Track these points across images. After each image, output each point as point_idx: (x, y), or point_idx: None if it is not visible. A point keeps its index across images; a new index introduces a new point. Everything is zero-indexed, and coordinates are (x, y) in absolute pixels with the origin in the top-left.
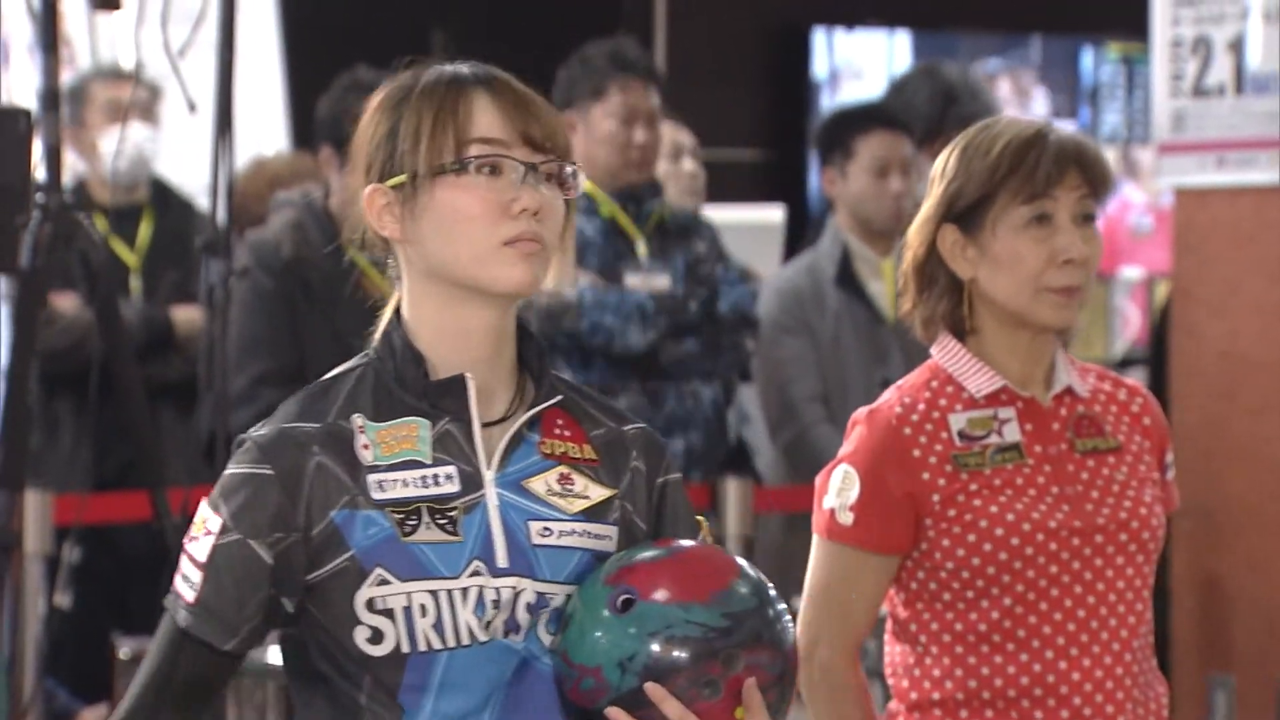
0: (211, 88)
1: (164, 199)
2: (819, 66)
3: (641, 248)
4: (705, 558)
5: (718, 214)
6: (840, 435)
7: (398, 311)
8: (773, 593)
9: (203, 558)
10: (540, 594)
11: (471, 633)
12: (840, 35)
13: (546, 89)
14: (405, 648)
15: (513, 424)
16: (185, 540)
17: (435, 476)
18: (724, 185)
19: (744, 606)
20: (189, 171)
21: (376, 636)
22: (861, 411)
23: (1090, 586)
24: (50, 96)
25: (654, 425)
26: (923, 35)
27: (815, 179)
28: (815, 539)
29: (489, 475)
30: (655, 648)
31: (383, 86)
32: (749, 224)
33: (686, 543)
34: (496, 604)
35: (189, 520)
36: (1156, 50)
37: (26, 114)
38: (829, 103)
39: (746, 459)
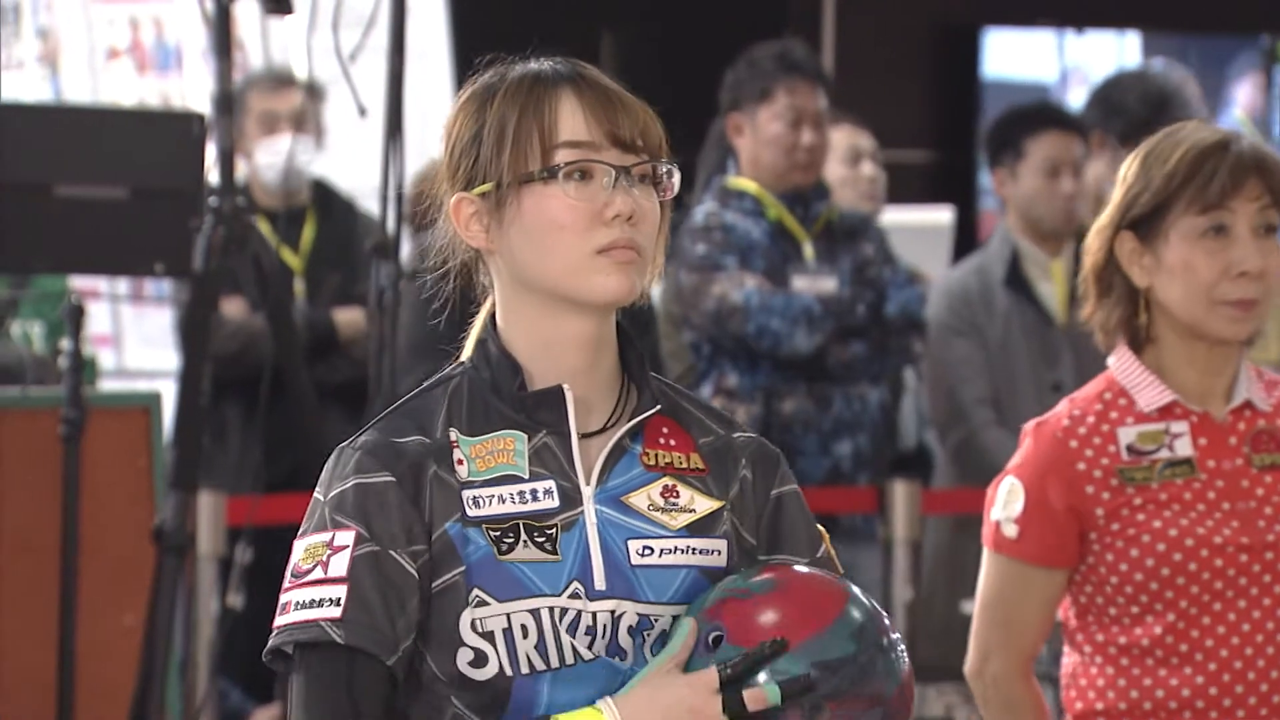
0: (382, 91)
1: (327, 202)
2: (990, 66)
3: (808, 250)
4: (805, 596)
5: (886, 215)
6: (1009, 438)
7: (493, 319)
8: (881, 635)
9: (341, 572)
10: (643, 616)
11: (576, 652)
12: (1013, 35)
13: (713, 91)
14: (509, 671)
15: (613, 435)
16: (288, 584)
17: (533, 492)
18: (892, 186)
19: (838, 654)
20: (358, 175)
21: (479, 659)
22: (1031, 423)
23: (1256, 602)
24: (224, 100)
25: (821, 428)
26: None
27: (985, 180)
28: (985, 551)
29: (587, 491)
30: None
31: (467, 85)
32: (917, 225)
33: (797, 571)
34: (591, 630)
35: None
36: None
37: (200, 118)
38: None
39: (929, 463)
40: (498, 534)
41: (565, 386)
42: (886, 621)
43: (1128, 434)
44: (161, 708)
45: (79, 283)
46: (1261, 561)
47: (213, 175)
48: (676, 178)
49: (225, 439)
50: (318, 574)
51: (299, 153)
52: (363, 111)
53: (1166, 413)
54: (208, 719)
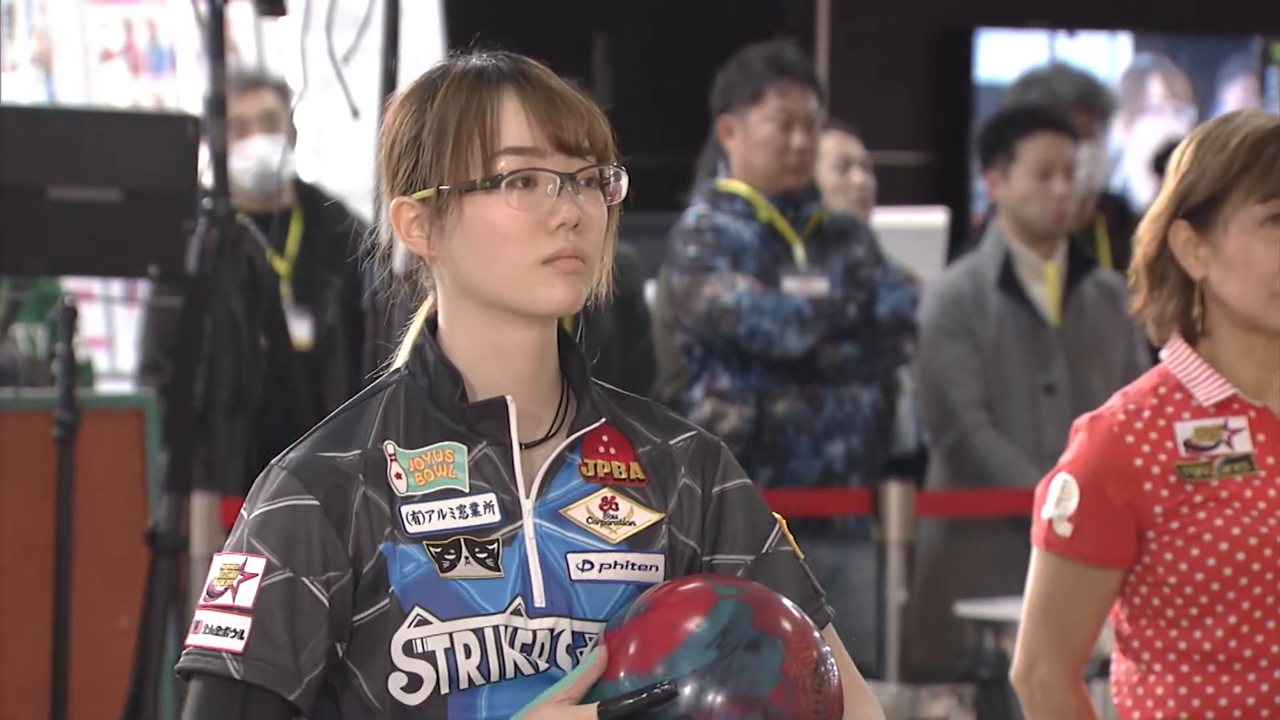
0: (376, 93)
1: (314, 204)
2: (984, 68)
3: (799, 252)
4: (665, 615)
5: (880, 217)
6: (1002, 440)
7: (430, 324)
8: (753, 632)
9: (247, 602)
10: (578, 633)
11: (517, 667)
12: (1005, 37)
13: (705, 93)
14: (445, 689)
15: (554, 447)
16: (202, 602)
17: (474, 506)
18: (886, 189)
19: (691, 666)
20: (352, 177)
21: (413, 683)
22: (1084, 418)
23: None
24: (217, 103)
25: (813, 429)
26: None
27: (978, 183)
28: (1034, 550)
29: (527, 504)
30: None
31: (408, 82)
32: (911, 227)
33: (669, 588)
34: (529, 647)
35: None
36: None
37: (194, 120)
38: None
39: (926, 464)
40: (438, 550)
41: (509, 398)
42: (777, 616)
43: (1185, 429)
44: (155, 709)
45: (73, 285)
46: None
47: (206, 177)
48: (624, 181)
49: (219, 441)
50: (227, 599)
51: (272, 154)
52: (356, 113)
53: (1224, 408)
54: None
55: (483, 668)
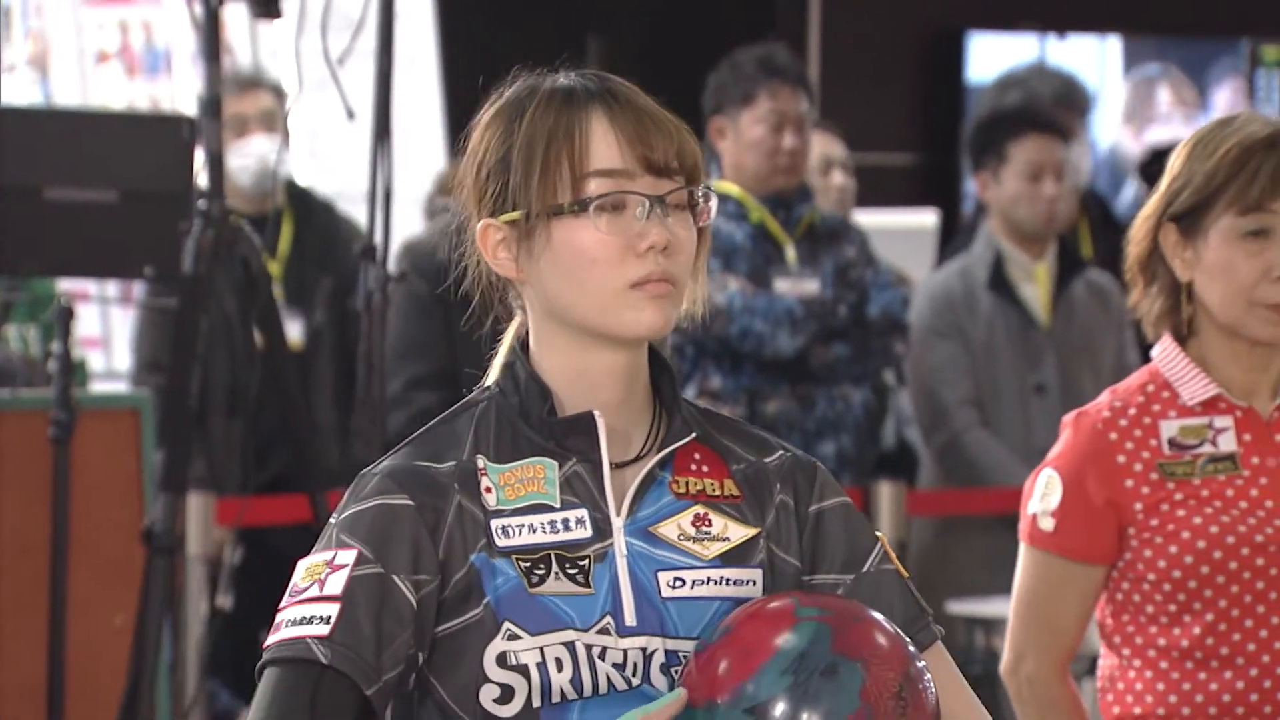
0: (370, 95)
1: (305, 206)
2: (974, 70)
3: (791, 253)
4: (743, 639)
5: (871, 218)
6: (993, 439)
7: (522, 343)
8: (831, 656)
9: (337, 590)
10: (671, 651)
11: (610, 682)
12: (996, 39)
13: (700, 95)
14: (537, 702)
15: (645, 465)
16: (288, 598)
17: (565, 521)
18: (877, 189)
19: (769, 693)
20: (347, 178)
21: (505, 695)
22: (1071, 414)
23: None
24: (212, 104)
25: (804, 428)
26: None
27: (969, 183)
28: (1021, 545)
29: (618, 522)
30: None
31: (492, 100)
32: (902, 228)
33: (751, 609)
34: (621, 665)
35: None
36: None
37: (189, 121)
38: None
39: (910, 460)
40: (528, 565)
41: (596, 413)
42: (862, 637)
43: (1170, 427)
44: (151, 708)
45: (68, 285)
46: None
47: (202, 178)
48: (714, 202)
49: (216, 441)
50: (313, 591)
51: (271, 153)
52: (351, 115)
53: (1210, 407)
54: (197, 719)
55: (575, 682)
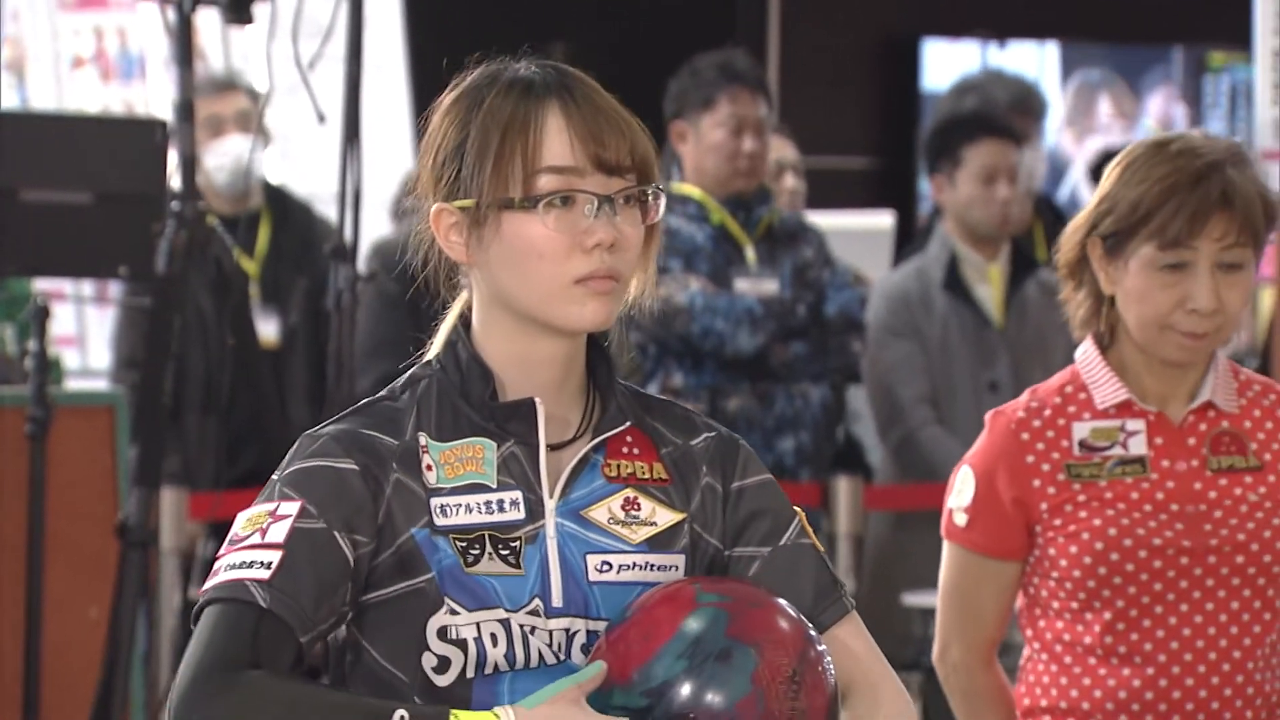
0: (340, 98)
1: (282, 207)
2: (927, 77)
3: (750, 253)
4: (643, 623)
5: (829, 220)
6: (948, 436)
7: (465, 320)
8: (726, 641)
9: (279, 539)
10: (592, 632)
11: (541, 657)
12: (944, 47)
13: (662, 99)
14: (470, 673)
15: (579, 449)
16: (226, 546)
17: (500, 502)
18: (835, 192)
19: (665, 677)
20: (317, 180)
21: (443, 665)
22: (990, 412)
23: (1198, 606)
24: (185, 108)
25: (764, 425)
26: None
27: (924, 186)
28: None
29: (550, 504)
30: None
31: (454, 84)
32: (859, 230)
33: (651, 594)
34: (548, 644)
35: None
36: (1259, 60)
37: (162, 125)
38: None
39: (857, 455)
40: (464, 544)
41: (538, 401)
42: (758, 621)
43: (1082, 429)
44: (125, 698)
45: (44, 285)
46: (1204, 565)
47: (175, 180)
48: (663, 200)
49: (191, 438)
50: (254, 540)
51: (248, 152)
52: (321, 118)
53: (1124, 410)
54: None
55: (509, 656)
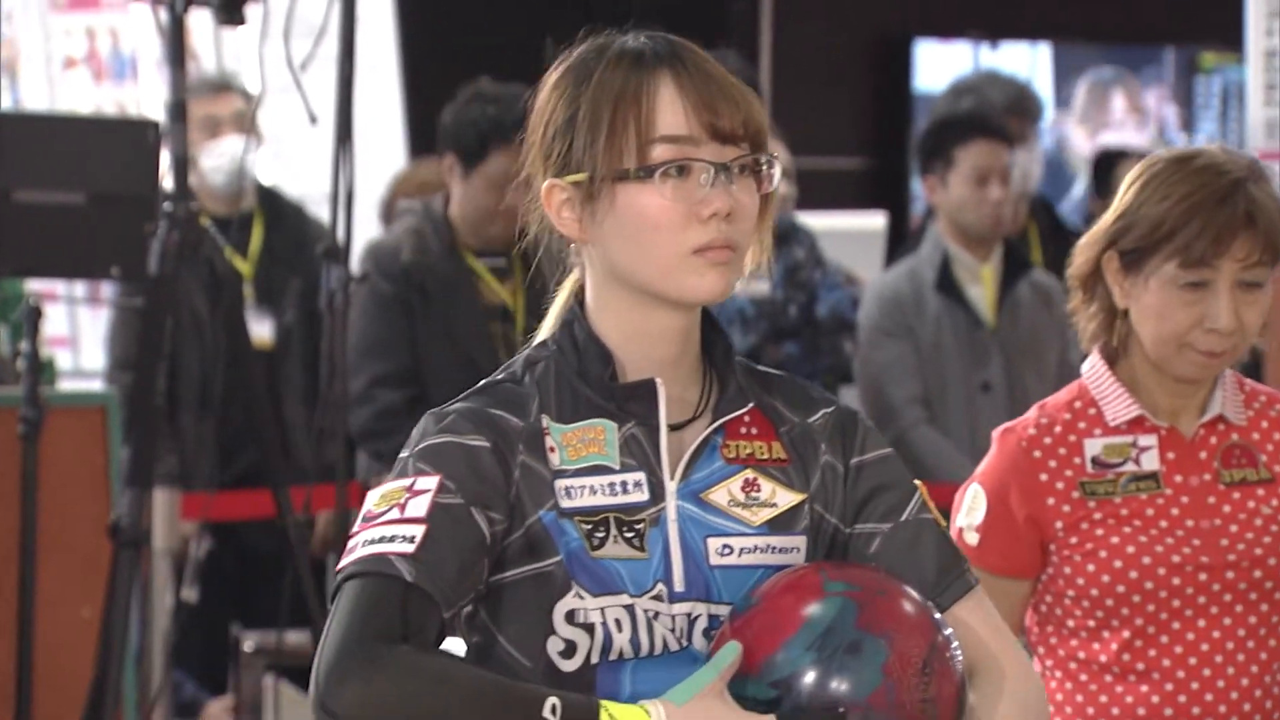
0: (332, 99)
1: (275, 208)
2: (921, 78)
3: None
4: (770, 612)
5: (822, 220)
6: (940, 437)
7: (579, 300)
8: (846, 634)
9: (420, 513)
10: (714, 617)
11: (665, 644)
12: (936, 47)
13: None
14: (595, 659)
15: (698, 430)
16: (361, 523)
17: (624, 484)
18: (828, 192)
19: (792, 669)
20: (309, 181)
21: (569, 650)
22: (999, 429)
23: (1216, 621)
24: (178, 109)
25: None
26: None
27: (917, 187)
28: None
29: (671, 486)
30: None
31: (560, 60)
32: (852, 230)
33: (777, 582)
34: (671, 629)
35: (311, 518)
36: (1251, 61)
37: (155, 125)
38: None
39: None
40: (589, 527)
41: (659, 381)
42: (887, 612)
43: (1094, 446)
44: (117, 698)
45: (37, 286)
46: (1221, 580)
47: (167, 181)
48: (778, 169)
49: (187, 438)
50: (393, 515)
51: (245, 152)
52: (313, 119)
53: (1135, 425)
54: (162, 709)
55: (634, 641)
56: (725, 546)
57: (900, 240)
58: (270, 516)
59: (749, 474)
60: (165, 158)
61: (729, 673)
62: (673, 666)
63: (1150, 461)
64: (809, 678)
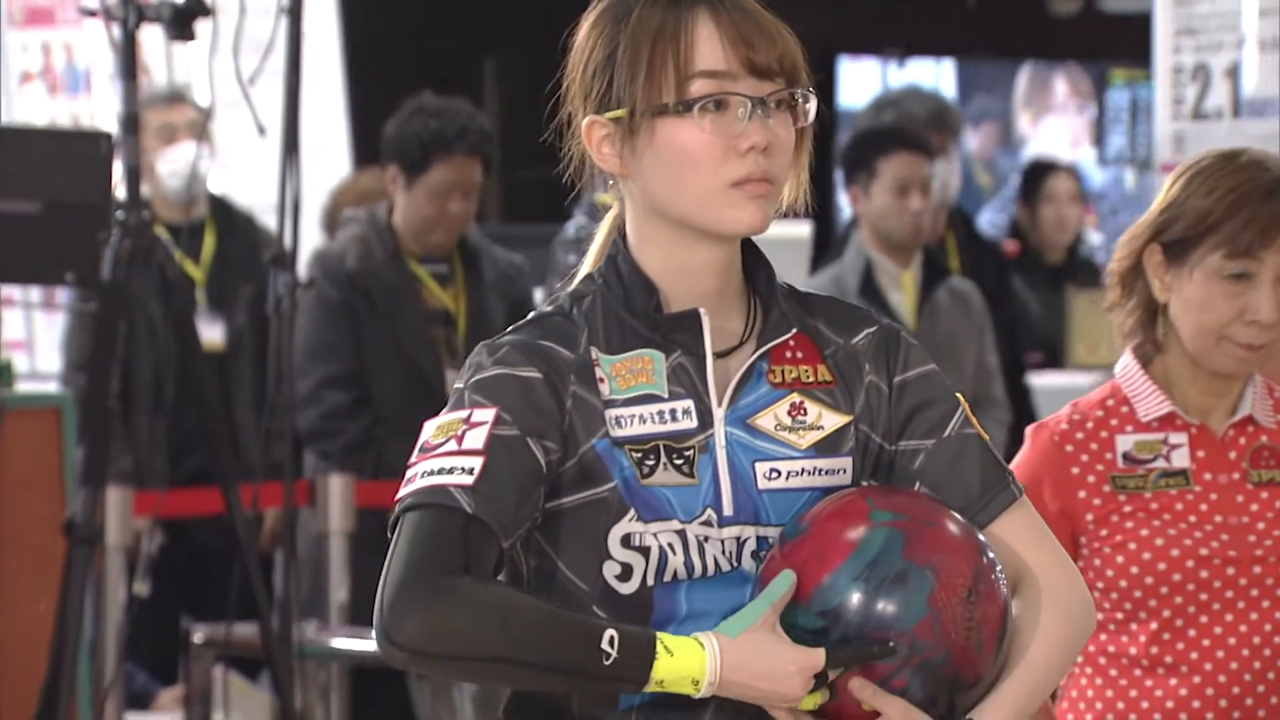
0: (279, 112)
1: (227, 216)
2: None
3: None
4: (817, 541)
5: None
6: None
7: (621, 235)
8: (892, 565)
9: (478, 445)
10: (763, 538)
11: (717, 564)
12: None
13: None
14: (651, 581)
15: (744, 358)
16: (419, 454)
17: (672, 412)
18: None
19: (839, 599)
20: (257, 191)
21: (625, 573)
22: (1032, 426)
23: (1243, 616)
24: (130, 121)
25: None
26: (967, 64)
27: (841, 197)
28: None
29: (719, 413)
30: None
31: (589, 16)
32: (778, 239)
33: (825, 508)
34: (721, 551)
35: (259, 515)
36: (1159, 77)
37: (108, 137)
38: None
39: None
40: (640, 455)
41: (702, 311)
42: (932, 542)
43: (1125, 442)
44: (72, 688)
45: None
46: (1249, 575)
47: (120, 190)
48: (813, 104)
49: (140, 437)
50: (450, 446)
51: (196, 160)
52: (261, 131)
53: (1166, 423)
54: (115, 699)
55: (687, 564)
56: (773, 470)
57: (825, 248)
58: (220, 513)
59: (795, 398)
60: (118, 168)
61: (781, 604)
62: (725, 586)
63: (1181, 459)
64: (855, 607)
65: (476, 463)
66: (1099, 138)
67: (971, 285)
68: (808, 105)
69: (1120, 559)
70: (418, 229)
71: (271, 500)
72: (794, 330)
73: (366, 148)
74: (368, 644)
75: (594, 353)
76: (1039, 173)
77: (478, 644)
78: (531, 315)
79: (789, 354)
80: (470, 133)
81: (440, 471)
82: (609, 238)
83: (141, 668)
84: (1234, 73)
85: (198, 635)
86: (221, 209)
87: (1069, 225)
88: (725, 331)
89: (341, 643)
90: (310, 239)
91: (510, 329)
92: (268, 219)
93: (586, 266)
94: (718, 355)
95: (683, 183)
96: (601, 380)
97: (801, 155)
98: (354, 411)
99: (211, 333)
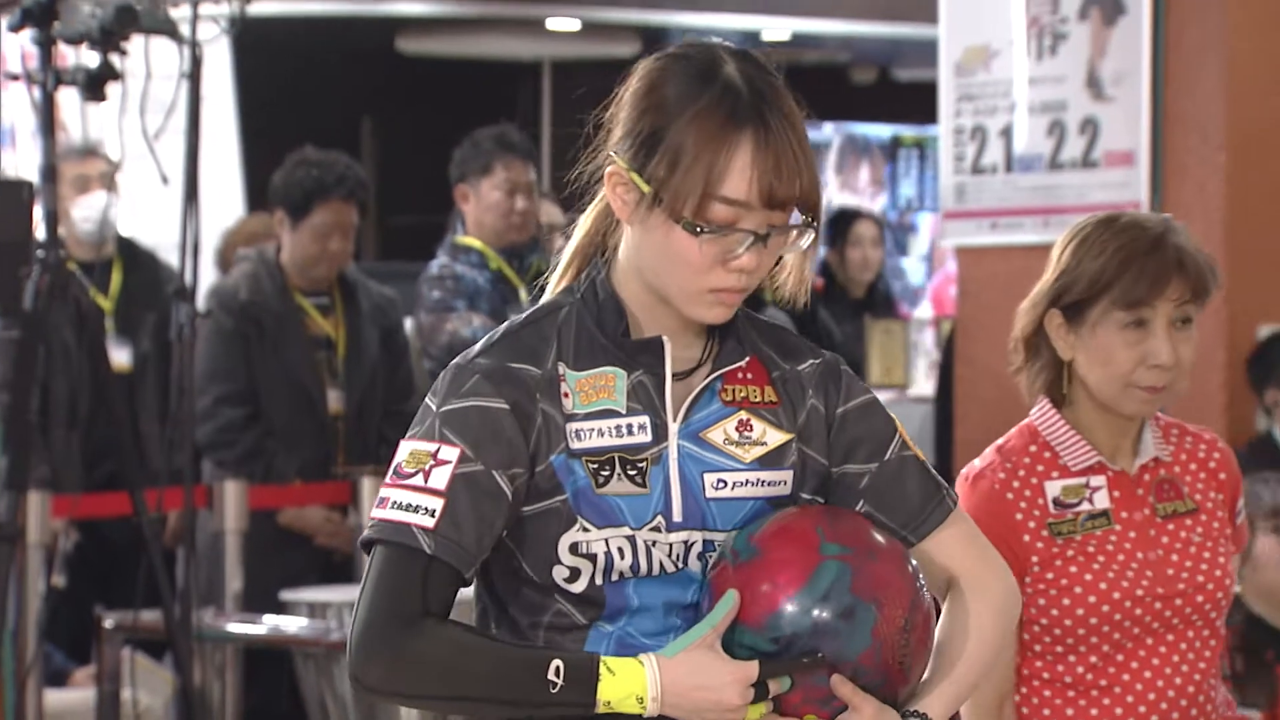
0: (180, 164)
1: (132, 254)
2: None
3: (523, 294)
4: (773, 567)
5: None
6: None
7: (606, 248)
8: (841, 600)
9: (441, 485)
10: (709, 541)
11: (663, 566)
12: None
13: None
14: (599, 581)
15: (701, 378)
16: (389, 481)
17: (629, 426)
18: None
19: (794, 629)
20: (161, 232)
21: (573, 575)
22: (964, 473)
23: (1168, 642)
24: (49, 171)
25: None
26: None
27: None
28: None
29: (673, 428)
30: None
31: (682, 53)
32: None
33: (779, 529)
34: (668, 555)
35: (163, 516)
36: (943, 136)
37: (29, 185)
38: None
39: None
40: (595, 466)
41: (665, 339)
42: (877, 575)
43: (1053, 487)
44: None
45: None
46: (1172, 607)
47: (40, 232)
48: (807, 238)
49: (56, 449)
50: (418, 480)
51: (106, 207)
52: (165, 180)
53: (1089, 468)
54: (35, 678)
55: (634, 566)
56: (720, 481)
57: None
58: (128, 515)
59: (743, 415)
60: (38, 212)
61: (723, 626)
62: (670, 584)
63: (1102, 500)
64: (807, 638)
65: (438, 504)
66: (891, 188)
67: (784, 314)
68: (801, 239)
69: (1066, 601)
70: (302, 265)
71: (174, 503)
72: (748, 357)
73: (257, 194)
74: (258, 628)
75: (561, 368)
76: (845, 219)
77: (435, 685)
78: (504, 328)
79: (741, 374)
80: (347, 180)
81: (406, 507)
82: (590, 236)
83: (58, 649)
84: (1007, 133)
85: (108, 621)
86: (128, 248)
87: (872, 265)
88: (685, 358)
89: (235, 627)
90: (207, 275)
91: (484, 346)
92: (170, 257)
93: (565, 254)
94: (677, 376)
95: (670, 273)
96: (566, 395)
97: (805, 261)
98: (246, 425)
99: (120, 356)
